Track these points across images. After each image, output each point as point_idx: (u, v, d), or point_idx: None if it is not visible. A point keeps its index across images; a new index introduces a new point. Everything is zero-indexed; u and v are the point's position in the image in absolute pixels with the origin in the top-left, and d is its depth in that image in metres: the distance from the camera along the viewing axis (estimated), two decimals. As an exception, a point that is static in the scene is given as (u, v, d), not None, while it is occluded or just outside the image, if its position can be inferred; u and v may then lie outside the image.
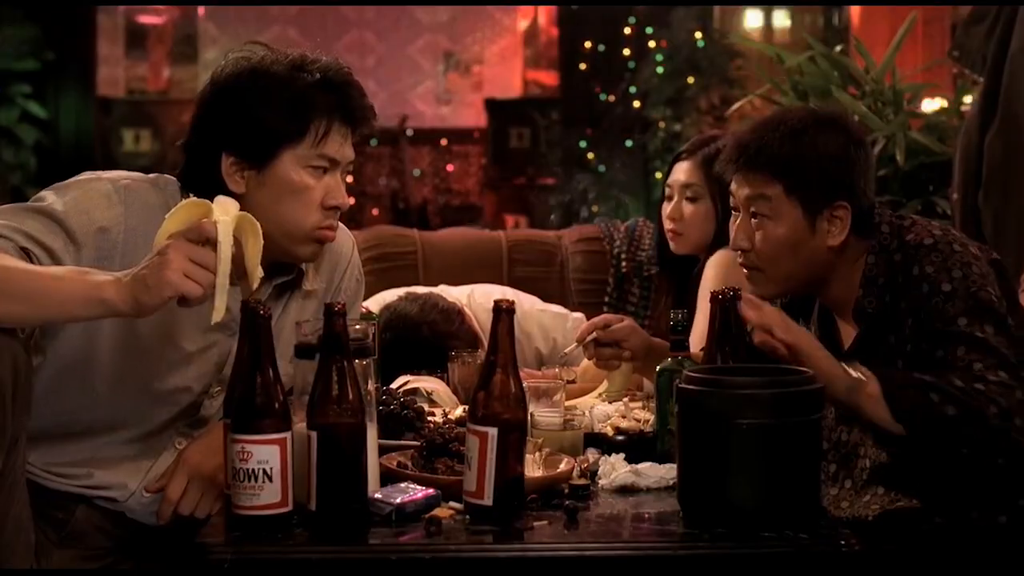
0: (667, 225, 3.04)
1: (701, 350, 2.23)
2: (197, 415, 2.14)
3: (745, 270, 2.27)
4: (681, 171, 3.01)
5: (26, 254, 1.88)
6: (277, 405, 1.72)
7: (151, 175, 2.15)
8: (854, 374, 2.06)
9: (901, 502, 2.15)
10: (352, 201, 2.11)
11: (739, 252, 2.25)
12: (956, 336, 2.07)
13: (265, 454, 1.71)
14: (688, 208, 2.97)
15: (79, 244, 1.97)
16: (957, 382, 2.00)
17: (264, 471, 1.71)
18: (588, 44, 7.72)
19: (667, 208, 3.04)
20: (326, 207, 2.08)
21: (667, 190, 3.07)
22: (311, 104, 2.05)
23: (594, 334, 2.51)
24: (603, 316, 2.58)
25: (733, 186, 2.25)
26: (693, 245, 2.99)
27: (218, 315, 1.78)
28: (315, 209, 2.07)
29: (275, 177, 2.06)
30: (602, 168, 7.49)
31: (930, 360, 2.09)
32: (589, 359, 2.58)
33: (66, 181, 2.07)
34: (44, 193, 2.02)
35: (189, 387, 2.11)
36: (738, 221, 2.25)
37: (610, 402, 2.46)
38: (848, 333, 2.25)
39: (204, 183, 2.07)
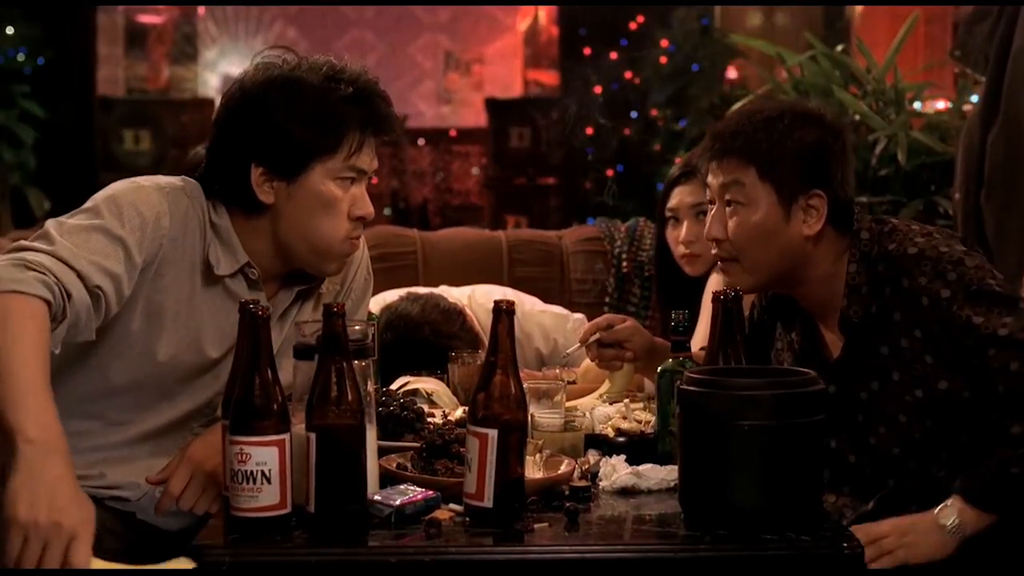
0: (681, 251, 3.00)
1: (701, 349, 2.22)
2: (213, 415, 2.14)
3: (720, 263, 2.25)
4: (686, 193, 2.98)
5: (97, 293, 1.90)
6: (276, 406, 1.71)
7: (178, 180, 2.14)
8: (948, 522, 2.03)
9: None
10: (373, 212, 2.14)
11: (713, 243, 2.24)
12: (980, 339, 2.05)
13: (264, 456, 1.70)
14: (703, 228, 2.93)
15: (133, 257, 1.98)
16: (1016, 428, 2.00)
17: (263, 473, 1.70)
18: (589, 43, 7.70)
19: (678, 233, 3.00)
20: (352, 218, 2.10)
21: (669, 214, 3.04)
22: (345, 119, 2.06)
23: (597, 335, 2.50)
24: (606, 316, 2.56)
25: (708, 177, 2.24)
26: (711, 262, 2.94)
27: None
28: (343, 220, 2.10)
29: (305, 190, 2.07)
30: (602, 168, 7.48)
31: (959, 368, 2.08)
32: (592, 360, 2.56)
33: (108, 190, 2.06)
34: (97, 204, 2.01)
35: (208, 389, 2.12)
36: (713, 211, 2.23)
37: (611, 403, 2.45)
38: (833, 342, 2.23)
39: (231, 190, 2.10)
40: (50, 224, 1.96)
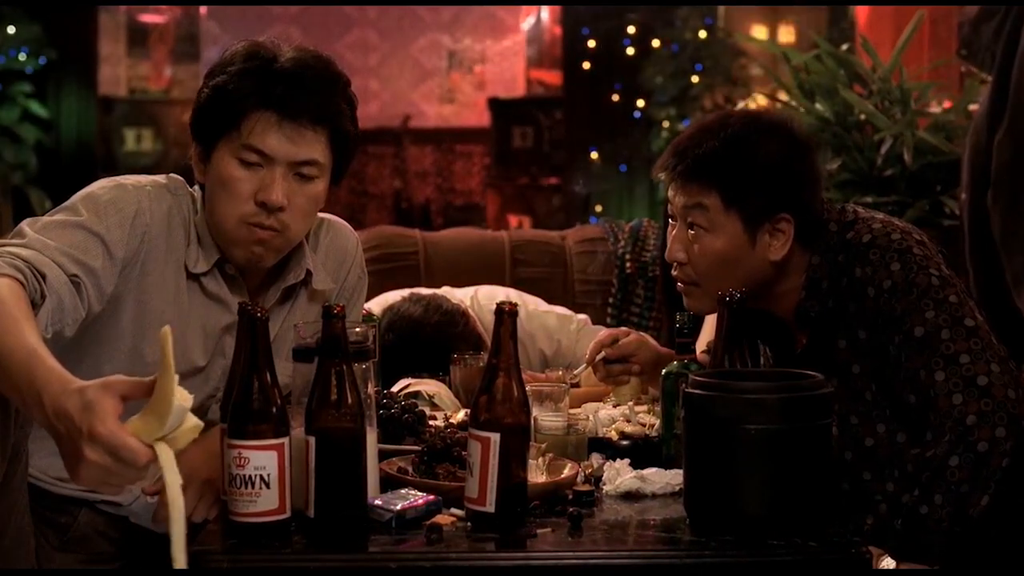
0: None
1: (704, 352, 2.19)
2: (204, 419, 2.11)
3: (680, 284, 2.20)
4: None
5: (76, 281, 1.87)
6: (274, 409, 1.69)
7: (163, 178, 2.13)
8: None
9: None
10: (285, 202, 2.02)
11: (675, 265, 2.18)
12: (901, 336, 2.00)
13: (262, 460, 1.68)
14: None
15: (113, 253, 1.96)
16: (953, 461, 1.92)
17: (261, 477, 1.67)
18: (592, 43, 7.69)
19: None
20: (257, 203, 2.02)
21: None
22: (242, 94, 2.01)
23: (603, 352, 2.47)
24: (609, 332, 2.53)
25: (670, 193, 2.16)
26: None
27: (179, 562, 1.48)
28: (242, 202, 2.02)
29: (213, 167, 2.05)
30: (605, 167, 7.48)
31: (902, 370, 2.03)
32: (600, 380, 2.53)
33: (88, 188, 2.04)
34: (75, 203, 1.99)
35: (198, 393, 2.09)
36: (674, 231, 2.17)
37: (615, 407, 2.43)
38: (802, 339, 2.20)
39: (190, 176, 2.10)
40: (25, 223, 1.93)
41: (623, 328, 2.60)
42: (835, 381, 2.10)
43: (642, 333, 2.57)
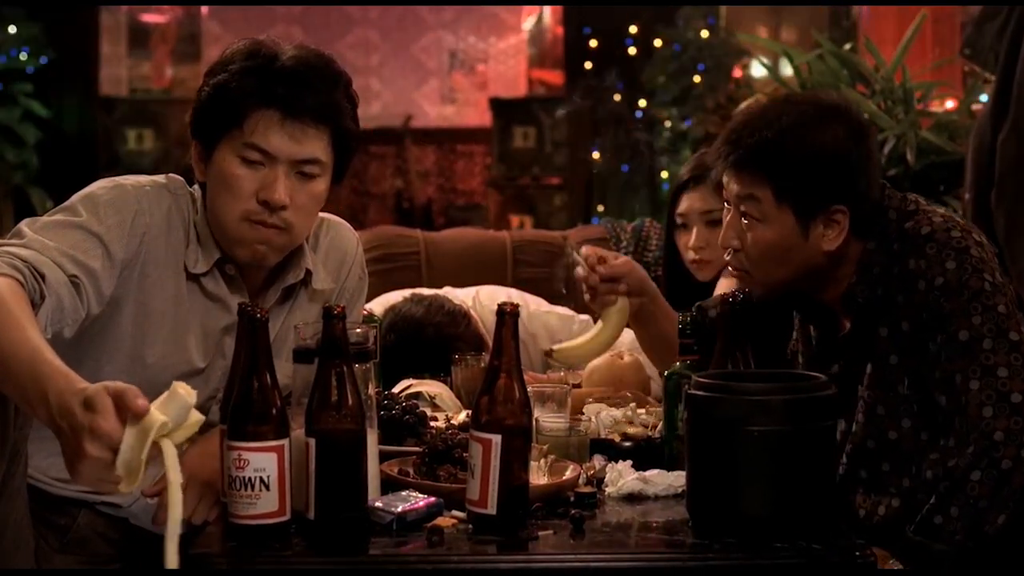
0: (691, 256, 2.95)
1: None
2: (204, 420, 2.11)
3: (732, 270, 2.19)
4: (695, 199, 2.93)
5: (75, 281, 1.86)
6: (275, 411, 1.68)
7: (162, 178, 2.13)
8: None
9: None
10: (288, 200, 2.01)
11: (728, 251, 2.16)
12: (944, 338, 1.99)
13: (262, 461, 1.67)
14: (713, 234, 2.89)
15: (113, 253, 1.95)
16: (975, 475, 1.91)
17: (261, 479, 1.67)
18: (593, 43, 7.67)
19: (688, 239, 2.95)
20: (259, 201, 2.01)
21: (679, 220, 2.99)
22: (245, 92, 2.00)
23: (595, 275, 2.36)
24: (594, 250, 2.41)
25: (724, 179, 2.13)
26: (721, 268, 2.90)
27: (171, 562, 1.45)
28: (244, 200, 2.01)
29: (214, 166, 2.04)
30: (608, 168, 7.47)
31: (938, 370, 2.00)
32: (587, 299, 2.42)
33: (87, 189, 2.03)
34: (74, 203, 1.99)
35: (198, 394, 2.08)
36: (728, 218, 2.15)
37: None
38: (846, 324, 2.18)
39: (190, 174, 2.09)
40: (24, 223, 1.92)
41: (612, 252, 2.50)
42: (870, 367, 2.08)
43: (630, 259, 2.49)
